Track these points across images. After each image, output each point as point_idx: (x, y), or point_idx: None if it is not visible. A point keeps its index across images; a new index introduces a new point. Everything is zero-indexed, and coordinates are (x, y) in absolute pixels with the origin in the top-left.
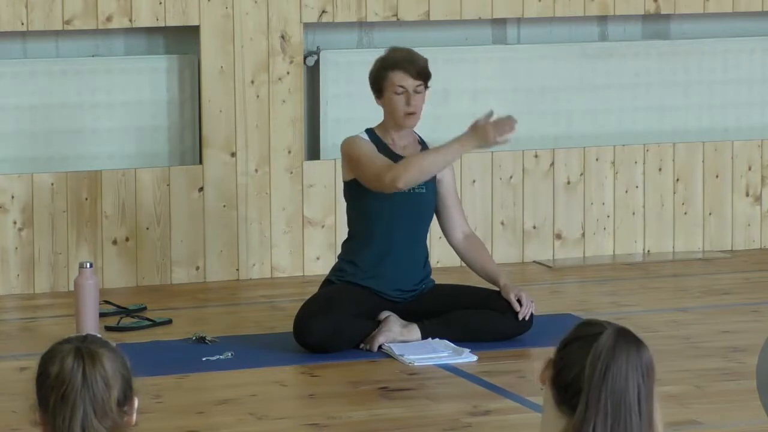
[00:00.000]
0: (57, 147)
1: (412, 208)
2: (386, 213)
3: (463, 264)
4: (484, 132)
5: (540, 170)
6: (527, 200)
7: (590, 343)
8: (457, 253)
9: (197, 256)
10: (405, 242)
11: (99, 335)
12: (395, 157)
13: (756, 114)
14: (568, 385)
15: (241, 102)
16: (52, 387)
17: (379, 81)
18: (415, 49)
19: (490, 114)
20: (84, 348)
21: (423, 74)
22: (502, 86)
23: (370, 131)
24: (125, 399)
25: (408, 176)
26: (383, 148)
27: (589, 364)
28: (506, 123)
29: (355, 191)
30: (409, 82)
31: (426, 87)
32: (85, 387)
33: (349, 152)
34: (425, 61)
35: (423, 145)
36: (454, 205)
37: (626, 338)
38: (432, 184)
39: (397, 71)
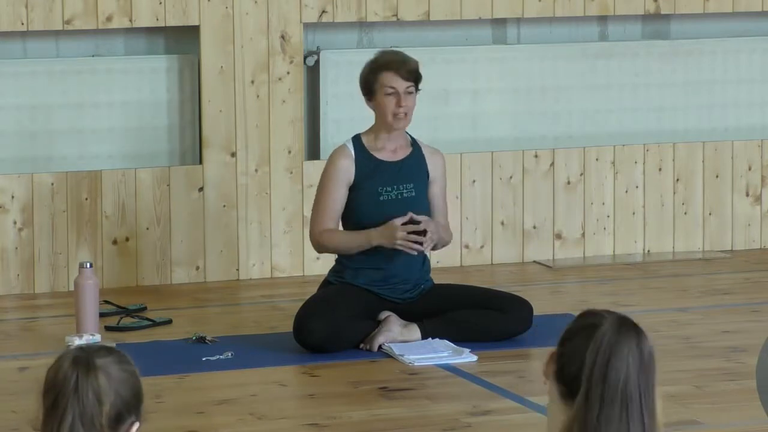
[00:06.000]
0: (57, 147)
1: (403, 211)
2: (378, 216)
3: (464, 264)
4: (392, 232)
5: (540, 170)
6: (527, 200)
7: (592, 334)
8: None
9: (197, 256)
10: None
11: (111, 344)
12: (380, 166)
13: (756, 114)
14: (573, 379)
15: (241, 102)
16: (48, 391)
17: (369, 83)
18: (415, 49)
19: (408, 217)
20: (83, 357)
21: (414, 75)
22: (502, 86)
23: (357, 139)
24: (120, 419)
25: (324, 251)
26: (367, 158)
27: (590, 354)
28: (417, 236)
29: (348, 195)
30: (400, 84)
31: (417, 89)
32: (75, 397)
33: (324, 170)
34: (416, 63)
35: (414, 146)
36: (437, 209)
37: (627, 328)
38: (422, 184)
39: (388, 72)
